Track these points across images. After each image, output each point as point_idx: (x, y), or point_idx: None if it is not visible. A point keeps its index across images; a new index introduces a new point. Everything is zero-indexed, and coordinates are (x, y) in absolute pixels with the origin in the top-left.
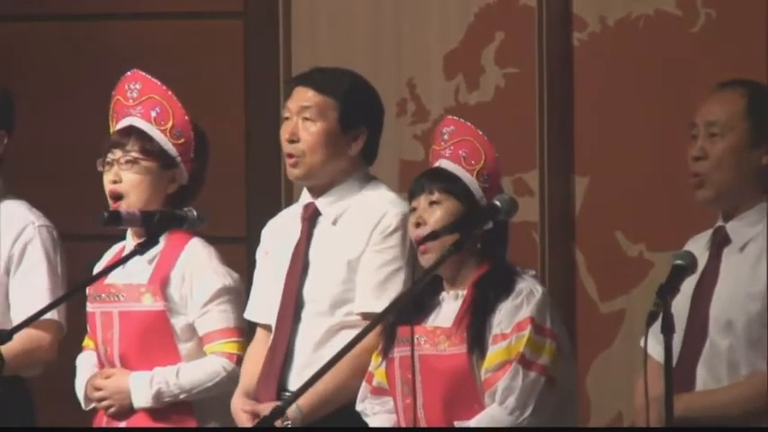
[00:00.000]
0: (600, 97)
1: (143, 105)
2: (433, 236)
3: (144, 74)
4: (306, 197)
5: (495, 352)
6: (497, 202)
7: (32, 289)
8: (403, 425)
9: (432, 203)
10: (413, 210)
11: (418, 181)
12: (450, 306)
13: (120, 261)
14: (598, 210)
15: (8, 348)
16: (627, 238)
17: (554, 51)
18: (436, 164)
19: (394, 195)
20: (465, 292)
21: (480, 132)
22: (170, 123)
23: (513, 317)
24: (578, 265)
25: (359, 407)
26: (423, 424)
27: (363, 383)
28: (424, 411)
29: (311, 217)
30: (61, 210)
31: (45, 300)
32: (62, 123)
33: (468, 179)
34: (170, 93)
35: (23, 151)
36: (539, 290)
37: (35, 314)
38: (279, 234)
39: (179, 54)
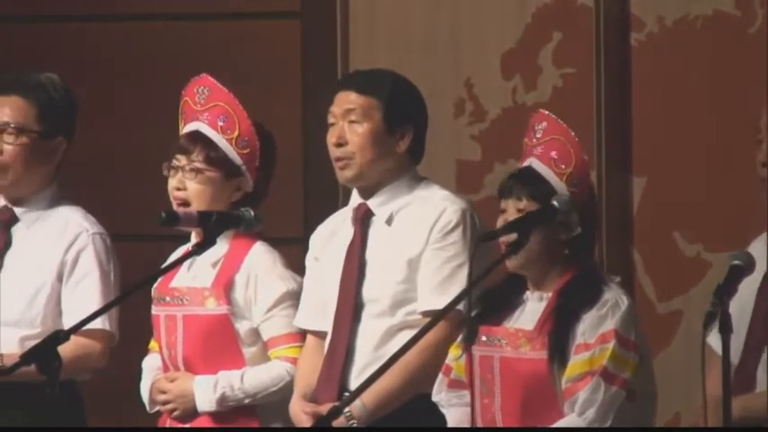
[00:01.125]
0: (657, 98)
1: (210, 112)
2: (492, 235)
3: (212, 79)
4: (356, 199)
5: (577, 362)
6: (555, 203)
7: (84, 297)
8: (479, 424)
9: (519, 211)
10: (502, 210)
11: (508, 182)
12: (533, 307)
13: (176, 262)
14: (656, 210)
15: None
16: (684, 239)
17: (612, 52)
18: (527, 161)
19: (448, 192)
20: (549, 294)
21: (572, 133)
22: (236, 133)
23: (597, 328)
24: (636, 265)
25: (435, 397)
26: (500, 426)
27: (440, 375)
28: (501, 414)
29: (363, 218)
30: (124, 210)
31: (96, 308)
32: (123, 124)
33: (557, 183)
34: (237, 101)
35: (85, 152)
36: (624, 301)
37: (88, 317)
38: (329, 239)
39: (236, 54)
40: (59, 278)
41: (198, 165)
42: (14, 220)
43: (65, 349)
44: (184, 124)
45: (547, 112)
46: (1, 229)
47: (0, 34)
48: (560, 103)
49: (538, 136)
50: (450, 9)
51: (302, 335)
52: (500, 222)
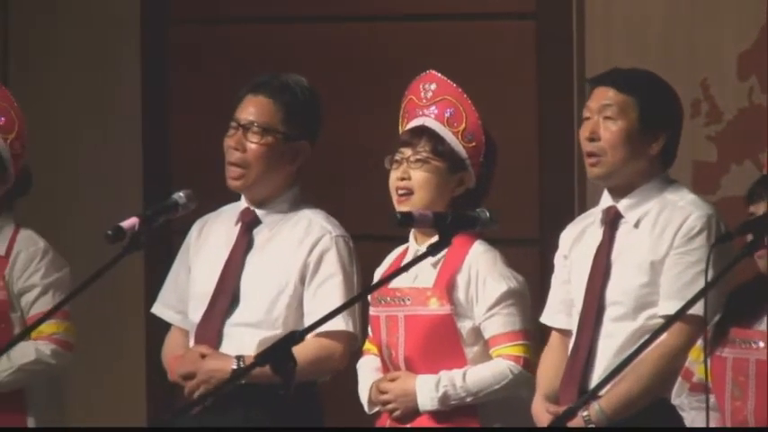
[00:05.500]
0: None
1: (437, 106)
2: (728, 237)
3: (439, 75)
4: (606, 200)
5: None
6: None
7: (326, 299)
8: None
9: None
10: (750, 215)
11: (756, 187)
12: None
13: (411, 263)
14: None
15: (300, 356)
16: None
17: None
18: None
19: (696, 197)
20: None
21: None
22: (462, 126)
23: None
24: None
25: (675, 401)
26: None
27: (680, 379)
28: (753, 417)
29: (613, 220)
30: (344, 210)
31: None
32: (350, 124)
33: None
34: (465, 95)
35: (316, 154)
36: None
37: (320, 319)
38: (578, 238)
39: (472, 55)
40: (302, 280)
41: (424, 154)
42: (257, 222)
43: (307, 350)
44: (407, 122)
45: None
46: (243, 230)
47: (245, 35)
48: None
49: None
50: (687, 9)
51: (524, 333)
52: None
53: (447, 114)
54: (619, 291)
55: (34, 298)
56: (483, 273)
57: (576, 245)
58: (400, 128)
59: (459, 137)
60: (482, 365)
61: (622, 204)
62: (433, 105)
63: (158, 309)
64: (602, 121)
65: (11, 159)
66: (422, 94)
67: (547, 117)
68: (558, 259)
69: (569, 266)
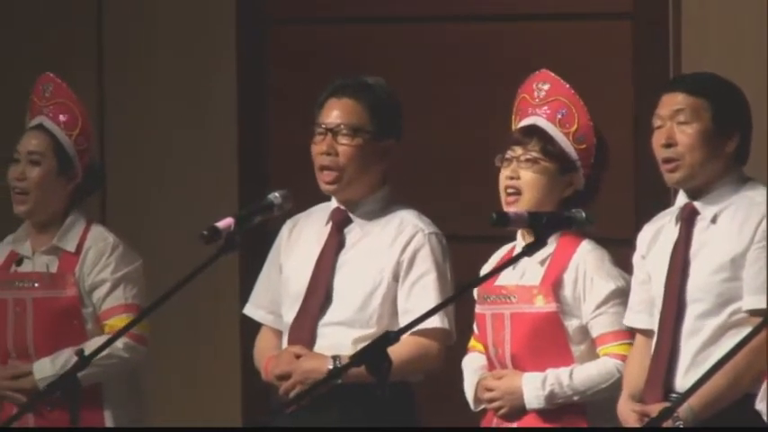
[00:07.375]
0: None
1: (549, 106)
2: None
3: (553, 74)
4: (682, 199)
5: None
6: None
7: (421, 297)
8: None
9: None
10: None
11: None
12: None
13: (508, 263)
14: None
15: (396, 354)
16: None
17: None
18: None
19: None
20: None
21: None
22: (574, 127)
23: None
24: None
25: (758, 406)
26: None
27: (765, 383)
28: None
29: (689, 217)
30: (449, 212)
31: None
32: (447, 125)
33: None
34: (577, 96)
35: (408, 155)
36: None
37: (417, 318)
38: (654, 237)
39: (568, 54)
40: (395, 278)
41: (534, 154)
42: (348, 221)
43: (403, 349)
44: (519, 120)
45: None
46: (335, 229)
47: (345, 35)
48: None
49: None
50: None
51: (632, 332)
52: None
53: (559, 116)
54: (699, 287)
55: (105, 293)
56: (590, 271)
57: (652, 244)
58: (513, 125)
59: (570, 138)
60: (589, 364)
61: (698, 202)
62: (545, 105)
63: (250, 309)
64: (677, 126)
65: (77, 155)
66: (535, 93)
67: (643, 117)
68: (636, 260)
69: (647, 266)
